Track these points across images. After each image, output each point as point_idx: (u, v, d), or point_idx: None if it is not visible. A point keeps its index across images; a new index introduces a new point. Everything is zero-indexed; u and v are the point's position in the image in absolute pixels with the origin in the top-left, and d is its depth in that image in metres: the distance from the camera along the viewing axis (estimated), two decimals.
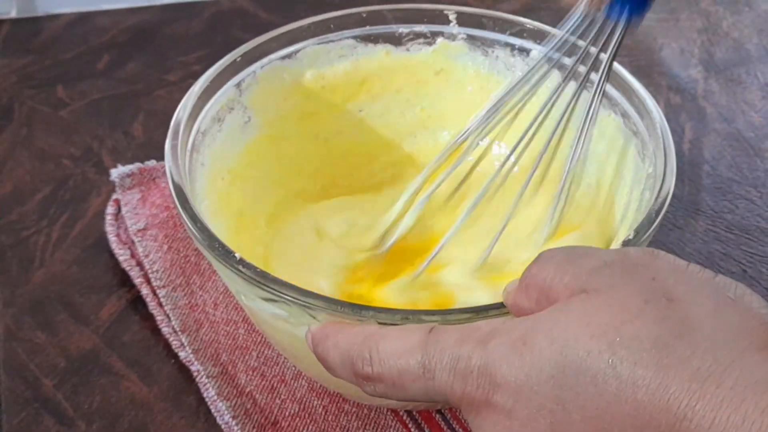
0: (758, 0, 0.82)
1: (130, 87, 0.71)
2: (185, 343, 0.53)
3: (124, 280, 0.57)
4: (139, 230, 0.59)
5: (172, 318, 0.54)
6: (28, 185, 0.63)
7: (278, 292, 0.41)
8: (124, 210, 0.60)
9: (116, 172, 0.62)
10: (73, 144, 0.66)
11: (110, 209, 0.60)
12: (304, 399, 0.51)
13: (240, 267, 0.42)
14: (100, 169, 0.64)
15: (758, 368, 0.30)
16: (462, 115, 0.58)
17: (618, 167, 0.52)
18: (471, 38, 0.57)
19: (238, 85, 0.54)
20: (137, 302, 0.56)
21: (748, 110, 0.70)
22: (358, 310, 0.40)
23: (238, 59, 0.53)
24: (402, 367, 0.36)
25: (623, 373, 0.31)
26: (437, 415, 0.51)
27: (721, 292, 0.33)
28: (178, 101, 0.70)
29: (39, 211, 0.61)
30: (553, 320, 0.34)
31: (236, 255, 0.43)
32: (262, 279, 0.42)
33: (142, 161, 0.64)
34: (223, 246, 0.43)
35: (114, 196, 0.61)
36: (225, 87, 0.53)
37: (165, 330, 0.54)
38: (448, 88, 0.59)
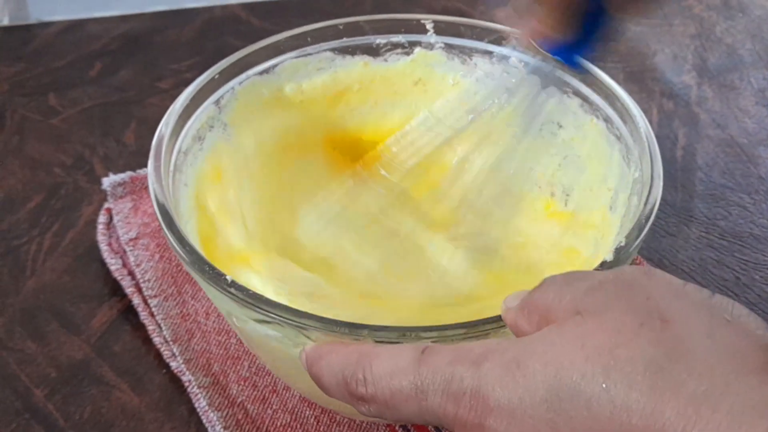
0: (751, 5, 0.82)
1: (122, 95, 0.71)
2: (176, 353, 0.53)
3: (116, 289, 0.57)
4: (130, 239, 0.59)
5: (163, 327, 0.54)
6: (19, 194, 0.63)
7: (271, 313, 0.41)
8: (115, 219, 0.60)
9: (108, 181, 0.61)
10: (65, 152, 0.66)
11: (102, 218, 0.60)
12: (296, 409, 0.51)
13: (232, 290, 0.42)
14: (92, 178, 0.64)
15: (755, 392, 0.30)
16: None
17: (601, 171, 0.53)
18: (449, 47, 0.57)
19: (217, 102, 0.53)
20: (128, 312, 0.56)
21: (741, 116, 0.70)
22: (353, 328, 0.39)
23: (216, 76, 0.53)
24: (395, 388, 0.35)
25: (617, 397, 0.31)
26: (432, 429, 0.50)
27: (717, 313, 0.33)
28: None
29: (30, 220, 0.61)
30: (547, 342, 0.33)
31: (228, 277, 0.42)
32: (254, 301, 0.41)
33: (134, 169, 0.63)
34: (213, 268, 0.43)
35: (105, 205, 0.61)
36: (204, 105, 0.52)
37: (156, 340, 0.54)
38: (427, 99, 0.58)
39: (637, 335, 0.32)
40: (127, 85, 0.72)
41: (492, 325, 0.39)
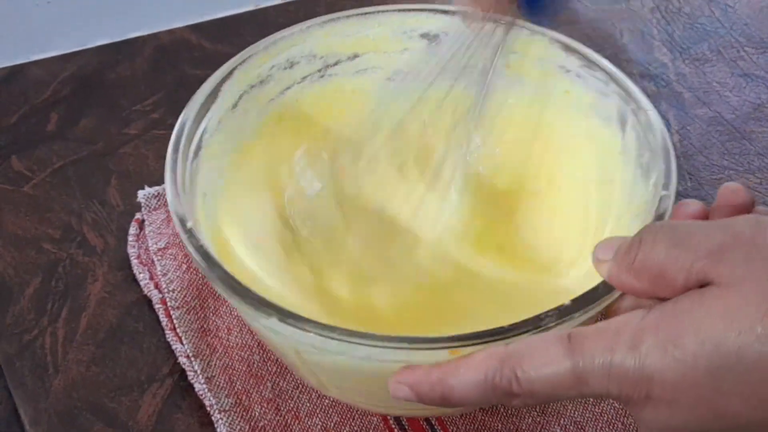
0: None
1: (91, 147, 0.66)
2: (198, 370, 0.52)
3: (153, 373, 0.53)
4: (159, 249, 0.58)
5: (184, 341, 0.54)
6: (13, 279, 0.58)
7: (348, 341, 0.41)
8: (147, 230, 0.59)
9: (142, 193, 0.61)
10: (50, 224, 0.61)
11: (132, 230, 0.60)
12: None
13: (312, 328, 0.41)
14: (88, 249, 0.60)
15: None
16: None
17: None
18: None
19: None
20: (174, 396, 0.52)
21: (721, 90, 0.71)
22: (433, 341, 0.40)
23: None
24: (553, 380, 0.38)
25: None
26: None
27: None
28: (147, 156, 0.66)
29: (35, 309, 0.56)
30: (695, 320, 0.36)
31: (316, 321, 0.41)
32: (333, 334, 0.41)
33: (126, 230, 0.60)
34: (312, 322, 0.41)
35: (136, 216, 0.60)
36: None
37: (180, 354, 0.54)
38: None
39: None
40: (93, 136, 0.67)
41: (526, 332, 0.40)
